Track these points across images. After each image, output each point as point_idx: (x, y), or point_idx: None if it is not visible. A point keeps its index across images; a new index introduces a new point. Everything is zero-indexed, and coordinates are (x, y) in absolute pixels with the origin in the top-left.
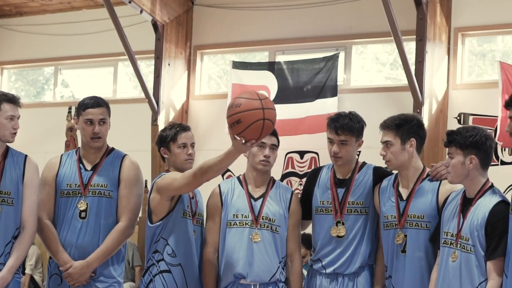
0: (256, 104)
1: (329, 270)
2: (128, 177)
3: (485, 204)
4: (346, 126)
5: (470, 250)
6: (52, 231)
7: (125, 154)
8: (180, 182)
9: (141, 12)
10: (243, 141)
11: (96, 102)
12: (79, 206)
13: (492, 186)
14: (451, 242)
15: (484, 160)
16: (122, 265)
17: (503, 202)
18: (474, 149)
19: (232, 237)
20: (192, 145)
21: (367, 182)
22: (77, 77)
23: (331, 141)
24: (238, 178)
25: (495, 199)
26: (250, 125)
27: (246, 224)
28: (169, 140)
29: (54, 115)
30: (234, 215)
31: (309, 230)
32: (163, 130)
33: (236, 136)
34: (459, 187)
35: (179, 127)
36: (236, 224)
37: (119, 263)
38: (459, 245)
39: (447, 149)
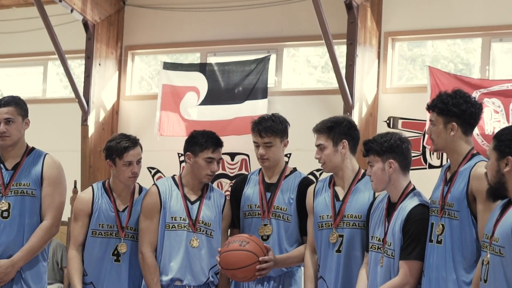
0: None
1: None
2: (51, 175)
3: (405, 208)
4: (269, 129)
5: (392, 255)
6: None
7: (46, 153)
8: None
9: (71, 11)
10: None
11: (4, 102)
12: (0, 206)
13: (413, 189)
14: (378, 246)
15: (403, 162)
16: (46, 265)
17: (421, 205)
18: (391, 153)
19: (170, 239)
20: (138, 161)
21: (292, 191)
22: (6, 76)
23: (257, 145)
24: (173, 179)
25: (413, 203)
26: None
27: (184, 227)
28: (115, 156)
29: None
30: (172, 217)
31: None
32: (111, 141)
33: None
34: None
35: (128, 142)
36: (175, 227)
37: (43, 263)
38: (384, 250)
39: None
